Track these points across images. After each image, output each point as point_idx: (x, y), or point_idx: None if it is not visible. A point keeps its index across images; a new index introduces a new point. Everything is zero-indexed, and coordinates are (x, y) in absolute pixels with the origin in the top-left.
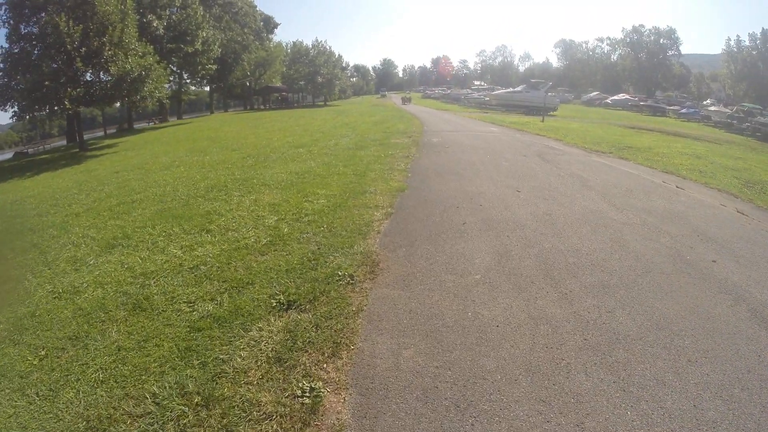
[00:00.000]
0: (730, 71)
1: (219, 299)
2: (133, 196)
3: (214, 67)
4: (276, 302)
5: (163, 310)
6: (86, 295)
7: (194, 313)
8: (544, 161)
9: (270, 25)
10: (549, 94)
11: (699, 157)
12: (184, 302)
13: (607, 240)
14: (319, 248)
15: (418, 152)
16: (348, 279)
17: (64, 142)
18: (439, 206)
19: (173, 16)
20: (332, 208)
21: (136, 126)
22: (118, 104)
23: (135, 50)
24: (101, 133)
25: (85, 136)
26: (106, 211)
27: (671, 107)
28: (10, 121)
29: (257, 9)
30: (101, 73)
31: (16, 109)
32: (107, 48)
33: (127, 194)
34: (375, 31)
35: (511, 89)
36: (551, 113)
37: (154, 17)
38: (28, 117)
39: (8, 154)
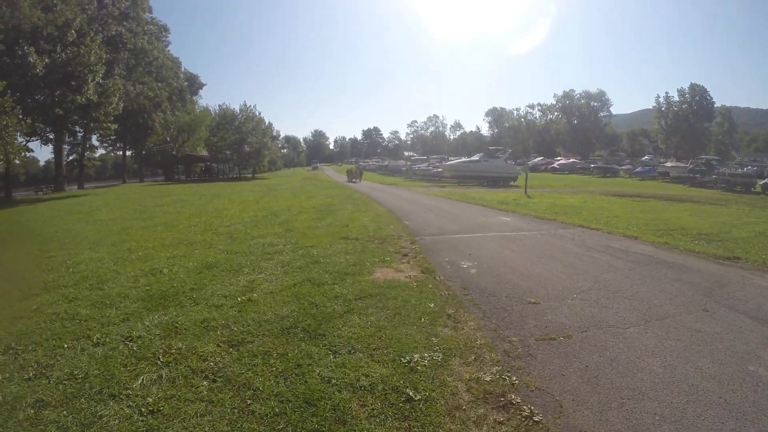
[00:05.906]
0: (661, 126)
1: None
2: None
3: (113, 126)
4: None
5: None
6: None
7: None
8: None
9: (195, 85)
10: (509, 162)
11: None
12: None
13: None
14: None
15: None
16: None
17: None
18: None
19: (62, 54)
20: None
21: (19, 195)
22: None
23: None
24: None
25: None
26: None
27: (622, 167)
28: None
29: (181, 66)
30: None
31: None
32: None
33: None
34: (306, 103)
35: (466, 159)
36: (512, 183)
37: (32, 50)
38: None
39: None
